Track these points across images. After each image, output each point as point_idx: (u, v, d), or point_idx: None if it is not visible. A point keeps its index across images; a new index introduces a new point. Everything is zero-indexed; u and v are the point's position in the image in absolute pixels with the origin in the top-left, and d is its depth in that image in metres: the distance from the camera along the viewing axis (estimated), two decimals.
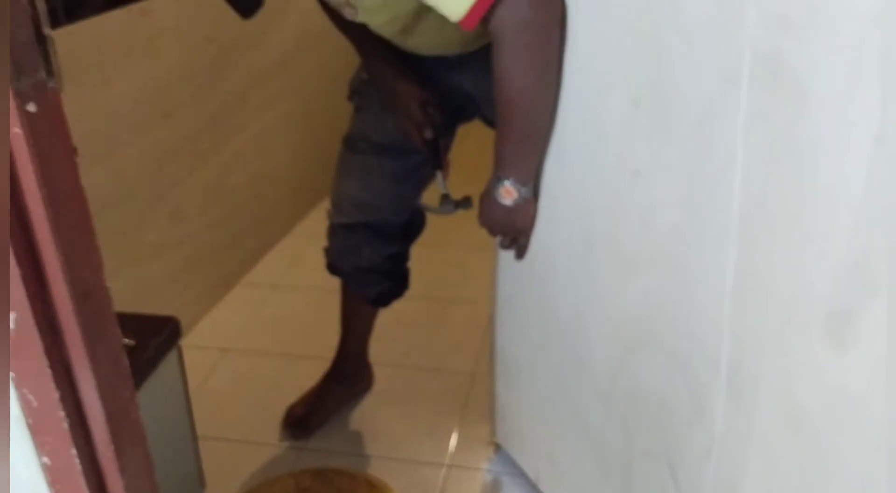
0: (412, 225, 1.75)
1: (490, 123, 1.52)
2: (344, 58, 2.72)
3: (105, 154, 1.75)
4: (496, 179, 1.18)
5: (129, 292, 1.72)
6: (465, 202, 1.55)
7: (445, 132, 1.60)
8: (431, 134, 1.51)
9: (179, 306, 1.99)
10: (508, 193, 1.17)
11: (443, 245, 2.34)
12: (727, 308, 0.94)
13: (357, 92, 1.66)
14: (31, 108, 0.65)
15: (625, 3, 0.96)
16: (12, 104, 0.64)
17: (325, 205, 1.75)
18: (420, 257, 1.82)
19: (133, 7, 1.76)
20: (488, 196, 1.21)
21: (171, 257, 2.07)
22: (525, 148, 1.15)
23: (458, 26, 1.05)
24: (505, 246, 1.33)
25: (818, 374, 0.83)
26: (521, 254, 1.33)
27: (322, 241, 1.75)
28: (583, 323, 1.26)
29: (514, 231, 1.24)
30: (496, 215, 1.21)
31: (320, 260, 1.76)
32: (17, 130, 0.65)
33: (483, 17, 1.01)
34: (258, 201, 2.52)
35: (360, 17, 1.29)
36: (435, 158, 1.57)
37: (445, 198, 1.55)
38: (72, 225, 0.70)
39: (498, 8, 1.00)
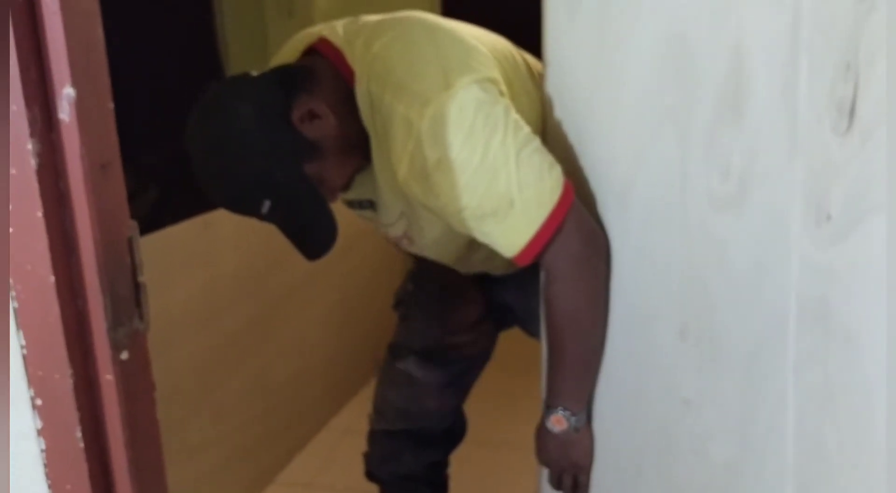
0: (454, 432, 1.75)
1: (529, 333, 1.56)
2: (379, 259, 2.84)
3: (157, 355, 1.80)
4: (546, 408, 1.19)
5: None
6: None
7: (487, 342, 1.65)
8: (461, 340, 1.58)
9: None
10: (558, 422, 1.17)
11: (476, 445, 2.31)
12: None
13: (402, 302, 1.72)
14: (125, 356, 0.70)
15: (669, 246, 1.01)
16: (107, 354, 0.69)
17: (358, 400, 1.77)
18: (454, 457, 1.80)
19: (197, 219, 1.89)
20: (542, 427, 1.22)
21: (208, 456, 2.06)
22: (577, 376, 1.17)
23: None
24: (566, 487, 1.26)
25: None
26: None
27: (354, 437, 1.75)
28: None
29: (572, 466, 1.23)
30: (551, 448, 1.21)
31: (354, 459, 1.75)
32: (108, 377, 0.69)
33: (536, 254, 1.07)
34: (294, 398, 2.54)
35: (415, 249, 1.37)
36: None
37: None
38: (148, 465, 0.73)
39: (550, 245, 1.07)
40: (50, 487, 0.71)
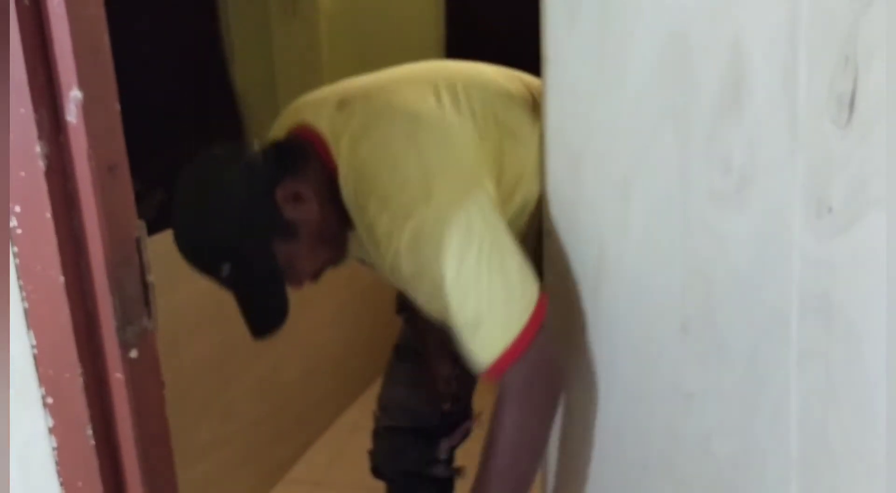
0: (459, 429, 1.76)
1: None
2: None
3: (165, 355, 1.82)
4: None
5: None
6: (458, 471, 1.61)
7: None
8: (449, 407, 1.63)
9: None
10: None
11: (481, 441, 2.32)
12: None
13: (405, 306, 1.73)
14: (134, 354, 0.71)
15: (670, 241, 1.02)
16: (116, 353, 0.70)
17: (366, 397, 1.78)
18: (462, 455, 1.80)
19: None
20: None
21: (218, 455, 2.07)
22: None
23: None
24: None
25: None
26: None
27: (363, 434, 1.76)
28: None
29: None
30: None
31: (362, 456, 1.76)
32: (118, 375, 0.70)
33: (502, 375, 1.08)
34: (303, 396, 2.55)
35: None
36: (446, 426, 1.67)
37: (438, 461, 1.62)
38: (158, 462, 0.74)
39: (513, 366, 1.07)
40: (62, 484, 0.72)
